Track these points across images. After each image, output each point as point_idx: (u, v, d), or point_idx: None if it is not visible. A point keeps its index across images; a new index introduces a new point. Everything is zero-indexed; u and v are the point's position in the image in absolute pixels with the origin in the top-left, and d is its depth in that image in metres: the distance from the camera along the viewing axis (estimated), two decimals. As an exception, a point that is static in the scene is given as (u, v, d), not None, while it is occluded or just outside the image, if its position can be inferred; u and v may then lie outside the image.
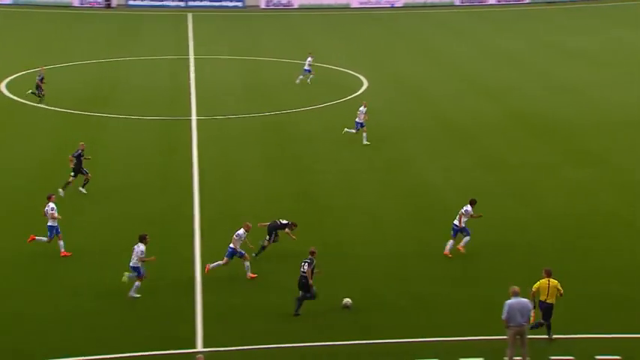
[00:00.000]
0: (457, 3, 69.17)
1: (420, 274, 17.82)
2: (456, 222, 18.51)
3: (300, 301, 15.93)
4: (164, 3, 65.80)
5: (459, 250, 18.42)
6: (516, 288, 13.99)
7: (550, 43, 47.43)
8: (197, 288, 17.12)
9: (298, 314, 15.81)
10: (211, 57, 43.96)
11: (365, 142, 26.90)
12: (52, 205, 18.60)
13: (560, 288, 14.63)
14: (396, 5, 67.81)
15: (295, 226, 18.69)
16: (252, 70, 41.02)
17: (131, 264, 16.64)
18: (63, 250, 18.51)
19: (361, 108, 27.40)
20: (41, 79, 32.35)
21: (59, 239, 18.51)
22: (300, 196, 22.67)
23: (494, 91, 35.41)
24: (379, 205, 21.93)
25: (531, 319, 14.14)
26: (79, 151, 22.37)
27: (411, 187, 23.27)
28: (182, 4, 65.76)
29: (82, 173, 22.26)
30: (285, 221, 18.73)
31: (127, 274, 16.58)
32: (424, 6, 66.07)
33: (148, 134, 29.16)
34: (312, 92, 35.40)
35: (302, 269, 16.03)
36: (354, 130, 27.22)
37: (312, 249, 16.39)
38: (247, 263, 17.57)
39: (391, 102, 33.90)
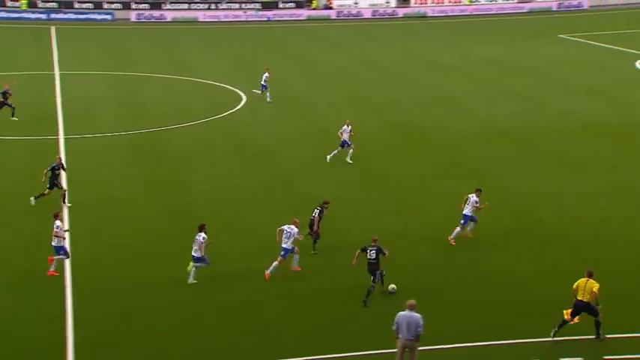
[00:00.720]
0: (333, 17, 70.35)
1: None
2: (466, 212, 19.88)
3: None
4: (22, 15, 62.68)
5: (467, 235, 19.97)
6: (412, 302, 14.00)
7: (424, 57, 48.80)
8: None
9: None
10: (79, 72, 42.18)
11: (349, 160, 26.40)
12: (58, 223, 18.37)
13: (596, 290, 14.90)
14: (272, 19, 68.19)
15: (328, 203, 19.79)
16: (123, 85, 39.67)
17: (195, 254, 17.66)
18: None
19: (344, 127, 26.83)
20: (4, 94, 31.95)
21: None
22: (177, 216, 21.90)
23: (374, 104, 35.86)
24: (259, 221, 21.50)
25: None
26: (55, 165, 22.79)
27: (293, 202, 22.98)
28: (43, 16, 62.88)
29: (57, 187, 22.61)
30: (318, 209, 19.57)
31: (192, 264, 17.67)
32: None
33: (13, 155, 27.52)
34: (187, 108, 34.62)
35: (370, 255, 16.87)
36: (336, 151, 26.50)
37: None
38: (297, 257, 18.37)
39: (271, 116, 33.62)
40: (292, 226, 18.20)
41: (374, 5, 72.07)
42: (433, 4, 72.52)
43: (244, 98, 36.59)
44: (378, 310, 16.34)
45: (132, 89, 38.74)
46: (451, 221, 20.62)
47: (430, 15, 70.68)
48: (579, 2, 72.94)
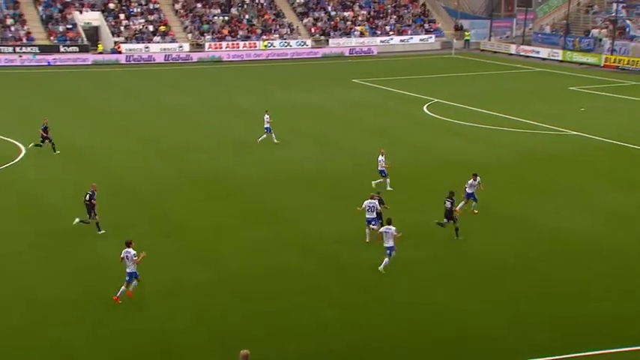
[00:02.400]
0: (123, 61, 68.39)
1: None
2: (468, 190, 25.16)
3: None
4: None
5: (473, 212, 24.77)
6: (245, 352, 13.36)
7: (220, 102, 48.62)
8: None
9: None
10: None
11: (389, 188, 28.09)
12: (132, 251, 18.75)
13: None
14: (53, 64, 65.01)
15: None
16: None
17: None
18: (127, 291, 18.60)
19: (380, 157, 28.62)
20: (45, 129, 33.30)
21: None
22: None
23: (168, 151, 34.80)
24: (39, 287, 19.62)
25: None
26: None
27: (81, 263, 21.25)
28: None
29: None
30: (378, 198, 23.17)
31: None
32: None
33: None
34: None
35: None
36: (381, 180, 28.50)
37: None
38: None
39: (54, 169, 31.40)
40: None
41: (166, 49, 71.22)
42: (228, 49, 73.09)
43: (23, 149, 33.96)
44: None
45: None
46: (251, 273, 20.01)
47: (226, 59, 71.10)
48: (369, 49, 77.06)
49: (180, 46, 71.89)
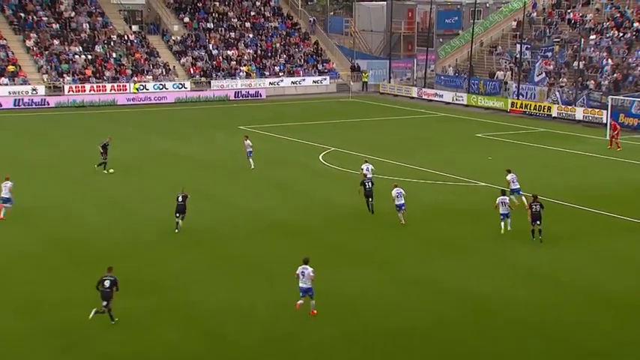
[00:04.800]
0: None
1: None
2: (513, 187, 33.76)
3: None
4: None
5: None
6: None
7: (82, 153, 47.63)
8: None
9: None
10: None
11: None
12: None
13: None
14: None
15: None
16: None
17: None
18: None
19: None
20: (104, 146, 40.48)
21: None
22: None
23: (27, 212, 33.59)
24: None
25: None
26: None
27: None
28: None
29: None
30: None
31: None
32: None
33: None
34: None
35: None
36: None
37: None
38: None
39: None
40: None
41: (16, 93, 69.09)
42: (93, 92, 71.83)
43: None
44: None
45: None
46: (130, 349, 19.21)
47: (89, 104, 69.80)
48: (257, 92, 77.67)
49: (34, 89, 69.96)
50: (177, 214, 30.59)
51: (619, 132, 50.99)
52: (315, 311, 22.53)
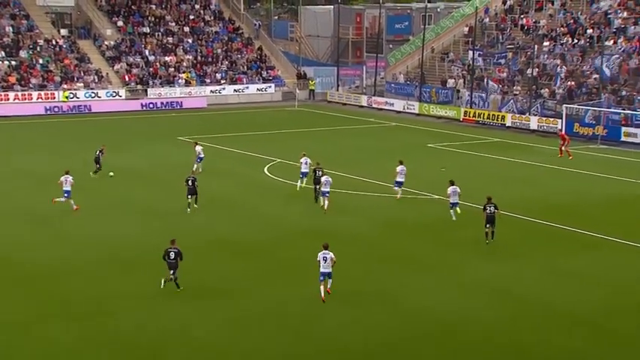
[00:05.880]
0: None
1: None
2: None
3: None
4: None
5: None
6: None
7: (7, 165, 47.04)
8: None
9: None
10: None
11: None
12: None
13: None
14: None
15: None
16: None
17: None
18: None
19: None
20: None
21: None
22: None
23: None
24: None
25: None
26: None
27: None
28: None
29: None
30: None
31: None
32: None
33: None
34: None
35: None
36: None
37: None
38: None
39: None
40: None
41: None
42: (17, 101, 70.89)
43: None
44: None
45: None
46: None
47: (13, 113, 68.84)
48: (197, 100, 77.46)
49: None
50: (189, 196, 35.99)
51: (568, 141, 52.21)
52: (330, 290, 25.21)
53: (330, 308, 24.89)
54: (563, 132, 54.83)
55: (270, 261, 29.72)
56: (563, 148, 51.79)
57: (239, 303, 25.29)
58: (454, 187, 34.94)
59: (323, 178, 36.43)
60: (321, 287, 25.19)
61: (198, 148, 45.04)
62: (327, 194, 36.32)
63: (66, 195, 36.11)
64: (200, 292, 26.35)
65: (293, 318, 24.21)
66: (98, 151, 43.96)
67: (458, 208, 35.04)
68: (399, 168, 38.96)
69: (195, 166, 44.52)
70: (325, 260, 25.01)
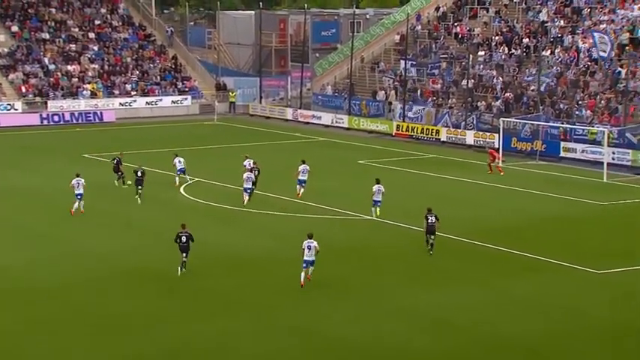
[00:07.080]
0: None
1: None
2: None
3: None
4: None
5: None
6: None
7: None
8: None
9: None
10: None
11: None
12: None
13: None
14: None
15: None
16: None
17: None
18: None
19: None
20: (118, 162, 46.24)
21: None
22: None
23: None
24: None
25: None
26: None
27: None
28: None
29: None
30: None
31: None
32: None
33: None
34: None
35: None
36: None
37: None
38: None
39: None
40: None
41: None
42: None
43: None
44: None
45: None
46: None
47: None
48: (104, 114, 76.64)
49: None
50: (139, 187, 42.40)
51: (499, 158, 53.58)
52: (310, 278, 29.03)
53: (248, 341, 24.97)
54: (493, 149, 56.01)
55: (188, 290, 29.71)
56: (492, 164, 52.98)
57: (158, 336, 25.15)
58: (379, 185, 38.70)
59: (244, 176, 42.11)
60: (302, 274, 28.79)
61: (179, 159, 47.07)
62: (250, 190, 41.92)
63: (78, 197, 39.45)
64: (105, 325, 26.13)
65: (213, 355, 24.16)
66: (115, 161, 46.70)
67: (379, 209, 38.53)
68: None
69: (178, 179, 46.77)
70: (309, 249, 28.72)
